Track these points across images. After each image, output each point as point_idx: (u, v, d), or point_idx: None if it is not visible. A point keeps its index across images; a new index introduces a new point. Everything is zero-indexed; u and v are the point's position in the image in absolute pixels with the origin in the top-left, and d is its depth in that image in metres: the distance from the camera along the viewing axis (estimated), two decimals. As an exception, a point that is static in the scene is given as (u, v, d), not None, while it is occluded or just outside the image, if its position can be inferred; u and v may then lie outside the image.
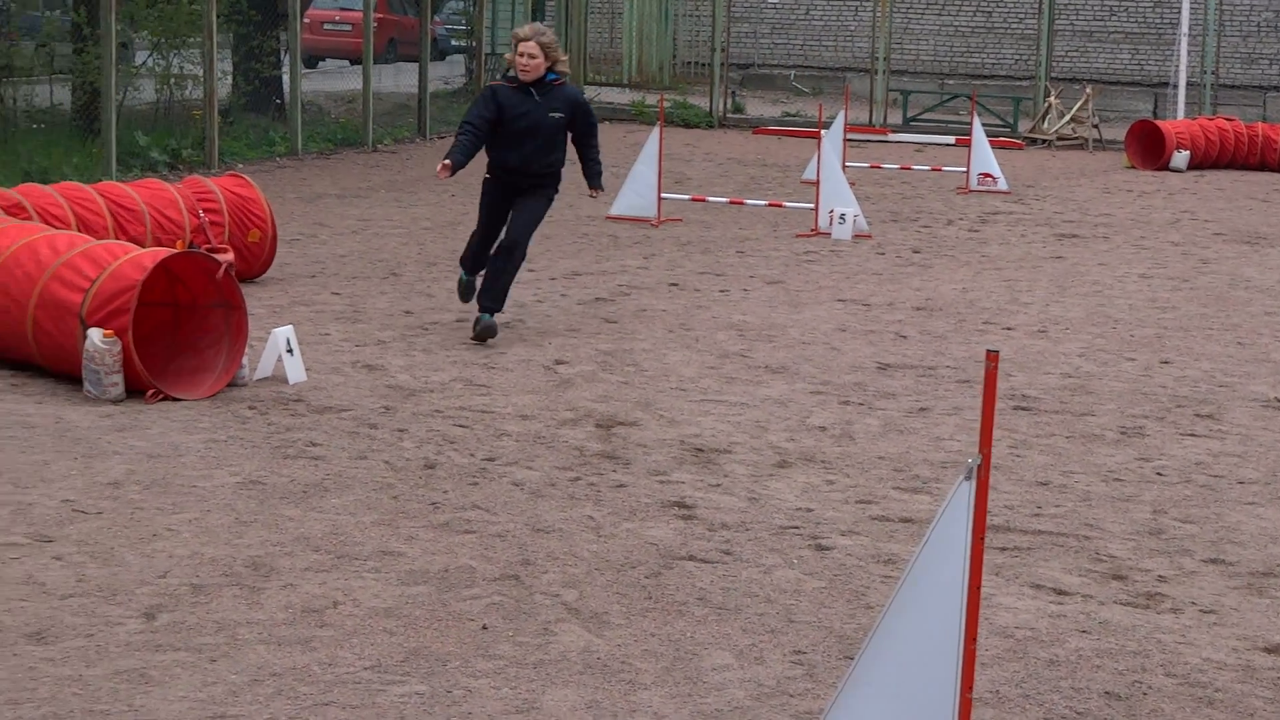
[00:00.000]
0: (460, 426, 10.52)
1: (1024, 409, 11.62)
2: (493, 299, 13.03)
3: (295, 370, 11.42)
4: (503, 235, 13.08)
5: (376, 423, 10.52)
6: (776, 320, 14.37)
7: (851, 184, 21.08)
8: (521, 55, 12.79)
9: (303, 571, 7.80)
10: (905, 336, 13.97)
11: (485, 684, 6.64)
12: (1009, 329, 14.49)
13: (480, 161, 13.21)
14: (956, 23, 40.76)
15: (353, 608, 7.39)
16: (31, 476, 9.04)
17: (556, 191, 13.30)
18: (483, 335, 12.88)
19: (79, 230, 13.13)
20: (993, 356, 5.18)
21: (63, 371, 11.05)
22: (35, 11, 24.68)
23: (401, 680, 6.64)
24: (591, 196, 13.73)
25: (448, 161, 12.42)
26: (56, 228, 12.64)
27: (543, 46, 12.82)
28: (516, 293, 15.04)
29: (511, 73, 12.95)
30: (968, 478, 5.25)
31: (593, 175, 13.52)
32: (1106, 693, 6.87)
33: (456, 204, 21.17)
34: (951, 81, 39.18)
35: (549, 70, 12.92)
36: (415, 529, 8.51)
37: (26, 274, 11.17)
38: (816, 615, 7.59)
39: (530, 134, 12.87)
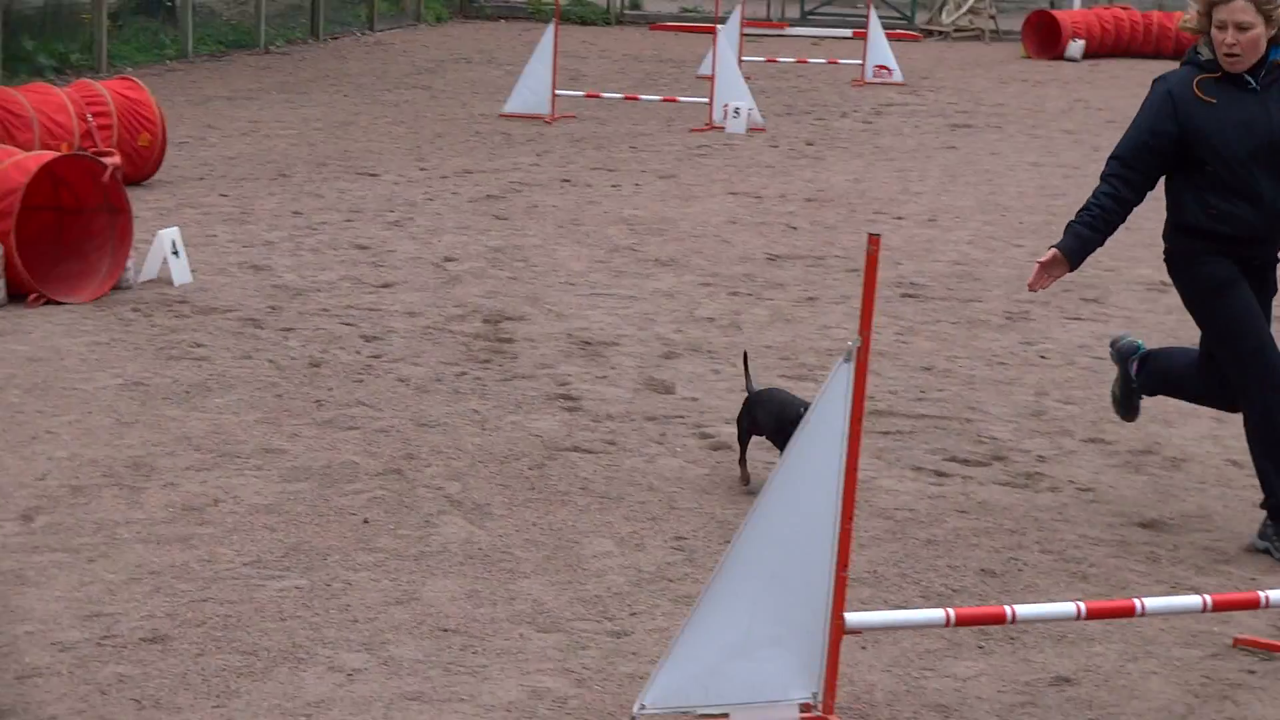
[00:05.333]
0: (347, 324, 10.48)
1: (911, 296, 11.68)
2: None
3: (181, 272, 11.33)
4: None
5: (262, 322, 10.46)
6: (667, 214, 14.36)
7: (747, 78, 21.08)
8: (1223, 28, 7.10)
9: (184, 470, 7.77)
10: (795, 228, 13.99)
11: (365, 577, 6.65)
12: (899, 218, 14.54)
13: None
14: (854, -85, 40.60)
15: (233, 505, 7.37)
16: (-90, 383, 8.96)
17: None
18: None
19: (-39, 136, 12.96)
20: (874, 239, 5.23)
21: (-56, 278, 10.91)
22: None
23: (281, 575, 6.63)
24: None
25: (1055, 252, 7.23)
26: (-63, 133, 12.47)
27: (1260, 8, 7.09)
28: (407, 192, 15.00)
29: (1203, 55, 7.27)
30: (847, 360, 5.29)
31: None
32: (982, 570, 6.94)
33: (349, 104, 21.01)
34: (849, -26, 39.04)
35: (1272, 44, 7.22)
36: (299, 426, 8.48)
37: (-96, 180, 11.00)
38: (698, 502, 7.63)
39: (1264, 157, 7.17)
